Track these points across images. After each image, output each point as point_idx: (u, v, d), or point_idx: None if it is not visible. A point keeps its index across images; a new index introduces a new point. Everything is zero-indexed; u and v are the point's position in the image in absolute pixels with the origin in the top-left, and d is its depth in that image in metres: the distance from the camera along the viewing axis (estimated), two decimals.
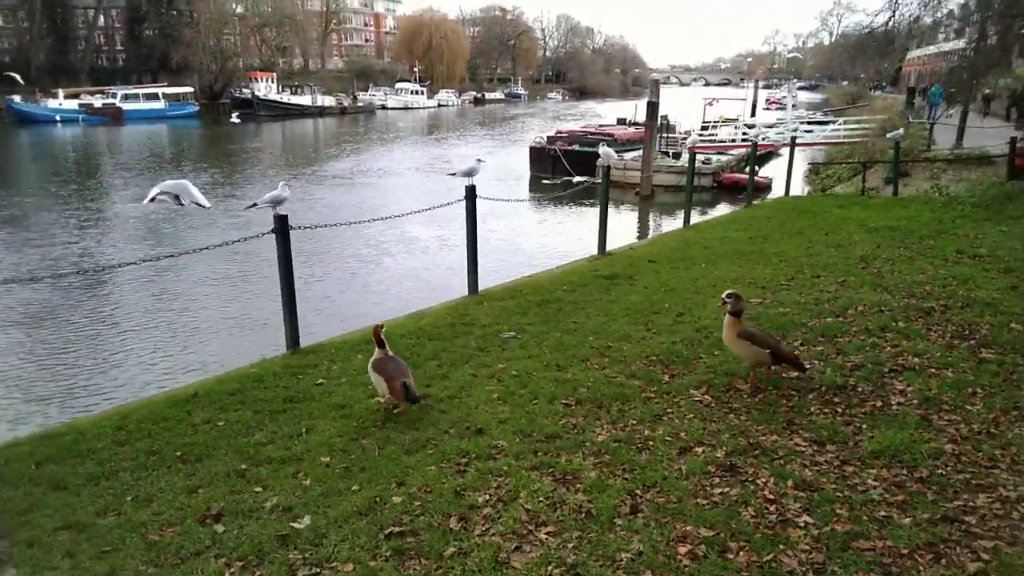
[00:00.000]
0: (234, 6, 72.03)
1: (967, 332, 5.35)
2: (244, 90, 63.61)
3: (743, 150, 28.77)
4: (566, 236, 17.58)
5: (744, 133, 30.71)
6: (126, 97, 54.46)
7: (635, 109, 39.19)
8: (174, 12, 67.30)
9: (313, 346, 5.84)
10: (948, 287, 6.58)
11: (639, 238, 16.68)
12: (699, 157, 24.14)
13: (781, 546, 2.88)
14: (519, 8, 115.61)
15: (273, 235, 5.60)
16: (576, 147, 27.63)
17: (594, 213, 19.74)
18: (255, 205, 5.64)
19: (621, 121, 38.46)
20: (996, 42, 13.70)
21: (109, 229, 18.32)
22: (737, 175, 25.09)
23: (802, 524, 3.03)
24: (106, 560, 2.99)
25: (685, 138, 30.01)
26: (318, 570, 2.87)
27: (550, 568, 2.81)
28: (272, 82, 65.19)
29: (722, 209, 19.88)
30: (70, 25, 65.94)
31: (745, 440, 3.81)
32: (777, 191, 19.99)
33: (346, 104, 68.91)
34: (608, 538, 2.99)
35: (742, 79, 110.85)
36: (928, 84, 34.70)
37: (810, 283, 7.08)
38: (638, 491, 3.35)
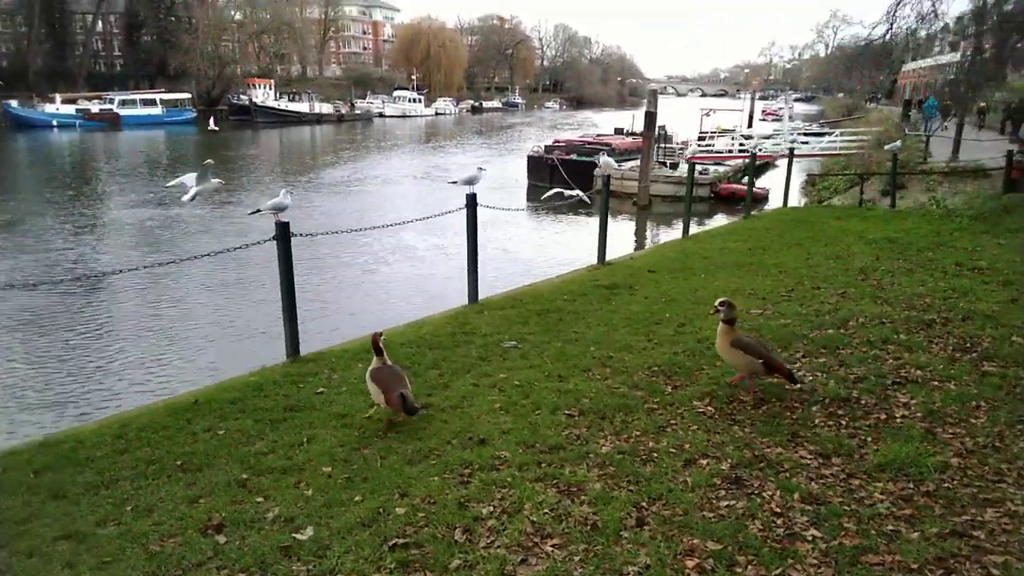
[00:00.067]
0: (233, 13, 72.26)
1: (969, 345, 5.35)
2: (242, 97, 63.72)
3: (740, 161, 28.92)
4: (564, 245, 17.60)
5: (741, 144, 30.84)
6: (123, 103, 54.49)
7: (632, 119, 39.39)
8: (173, 18, 67.42)
9: (313, 354, 5.81)
10: (948, 299, 6.59)
11: (636, 248, 16.69)
12: (697, 167, 24.22)
13: (790, 560, 2.86)
14: (517, 17, 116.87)
15: (273, 242, 5.59)
16: (574, 156, 27.70)
17: (591, 222, 19.84)
18: (258, 211, 5.62)
19: (618, 131, 38.66)
20: (992, 55, 13.80)
21: (105, 235, 18.26)
22: (734, 186, 25.19)
23: (810, 538, 3.01)
24: (106, 571, 2.95)
25: (682, 148, 30.21)
26: None
27: None
28: (270, 89, 65.29)
29: (720, 220, 19.93)
30: (68, 30, 65.94)
31: (750, 452, 3.79)
32: (774, 202, 20.08)
33: (343, 112, 69.03)
34: (615, 551, 2.96)
35: (738, 90, 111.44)
36: (923, 96, 34.95)
37: (810, 294, 7.08)
38: (644, 503, 3.32)
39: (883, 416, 4.20)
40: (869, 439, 3.91)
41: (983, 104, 25.51)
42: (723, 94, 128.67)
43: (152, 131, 49.80)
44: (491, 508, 3.31)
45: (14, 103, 50.02)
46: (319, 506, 3.39)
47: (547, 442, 3.97)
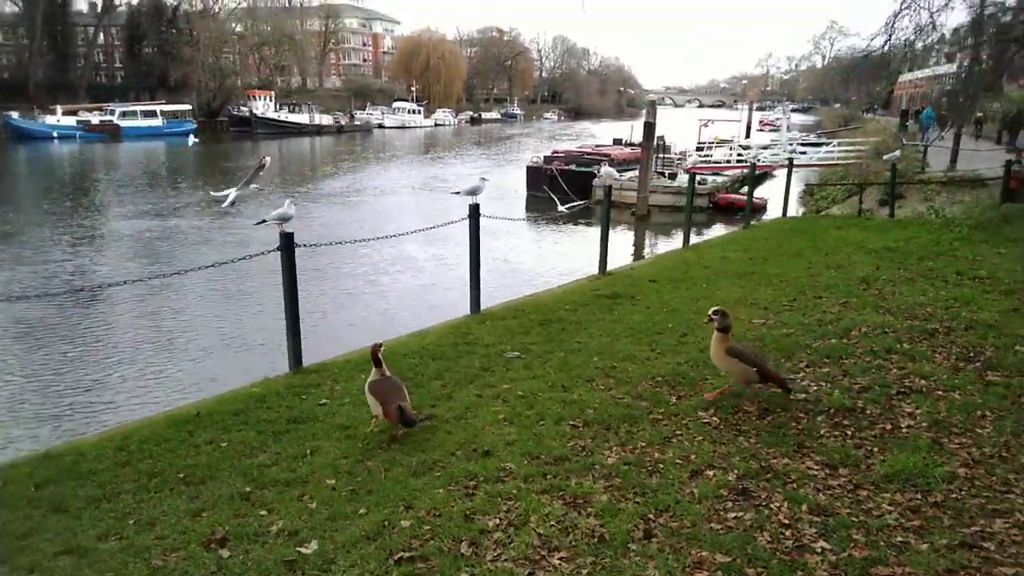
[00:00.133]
0: (234, 25, 72.62)
1: (972, 354, 5.34)
2: (242, 108, 63.91)
3: (738, 171, 29.02)
4: (564, 255, 17.61)
5: (739, 154, 30.96)
6: (124, 114, 54.58)
7: (631, 130, 39.51)
8: (174, 30, 67.76)
9: (315, 365, 5.79)
10: (950, 309, 6.58)
11: (635, 258, 16.70)
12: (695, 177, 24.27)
13: (799, 572, 2.84)
14: (516, 30, 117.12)
15: (273, 253, 5.57)
16: (573, 167, 27.77)
17: (590, 233, 19.88)
18: (263, 222, 5.61)
19: (617, 141, 38.75)
20: (989, 66, 13.89)
21: (104, 247, 18.25)
22: (733, 196, 25.25)
23: (819, 550, 2.99)
24: None
25: (680, 159, 30.30)
26: None
27: None
28: (270, 100, 65.50)
29: (718, 230, 19.96)
30: (70, 42, 66.13)
31: (756, 463, 3.77)
32: (772, 212, 20.12)
33: (343, 123, 69.25)
34: (623, 564, 2.94)
35: (736, 101, 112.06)
36: (920, 107, 35.14)
37: (812, 304, 7.07)
38: (651, 515, 3.30)
39: (889, 426, 4.18)
40: (875, 449, 3.89)
41: (980, 114, 25.68)
42: (720, 105, 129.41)
43: (152, 142, 49.89)
44: (497, 520, 3.29)
45: (15, 114, 50.11)
46: (323, 519, 3.36)
47: (552, 453, 3.94)
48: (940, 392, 4.65)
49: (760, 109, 77.20)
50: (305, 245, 5.83)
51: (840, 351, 5.50)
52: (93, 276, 14.93)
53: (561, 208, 9.98)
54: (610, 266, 9.80)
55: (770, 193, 24.99)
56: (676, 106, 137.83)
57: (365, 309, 12.84)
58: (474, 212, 7.24)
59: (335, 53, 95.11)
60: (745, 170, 27.28)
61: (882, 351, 5.46)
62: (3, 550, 3.19)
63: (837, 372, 5.09)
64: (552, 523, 3.24)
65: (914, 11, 11.59)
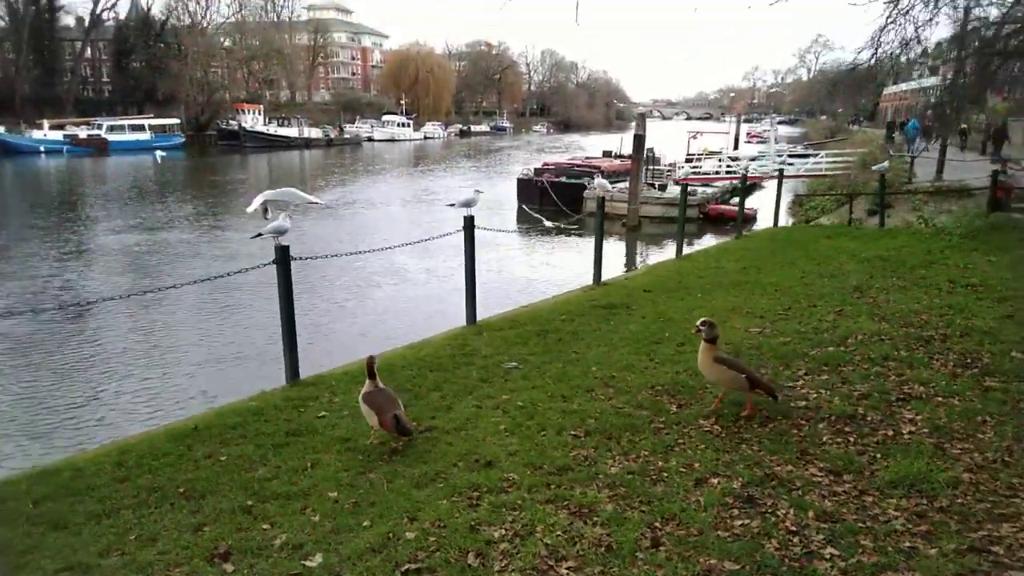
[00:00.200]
0: (222, 39, 72.59)
1: (969, 361, 5.38)
2: (231, 122, 63.81)
3: (728, 182, 29.25)
4: (556, 267, 17.63)
5: (728, 166, 31.22)
6: (112, 128, 54.35)
7: (620, 142, 39.77)
8: (162, 44, 67.68)
9: (313, 378, 5.75)
10: (945, 316, 6.63)
11: (628, 269, 16.75)
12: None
13: None
14: (505, 43, 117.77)
15: (270, 265, 5.55)
16: (563, 179, 27.89)
17: (582, 244, 19.95)
18: (259, 235, 5.59)
19: (607, 154, 38.94)
20: (973, 79, 14.09)
21: (92, 261, 18.08)
22: (723, 206, 25.43)
23: (828, 556, 2.98)
24: None
25: (670, 170, 30.51)
26: None
27: None
28: (259, 114, 65.49)
29: (709, 240, 20.08)
30: (57, 56, 65.86)
31: (760, 471, 3.77)
32: (763, 222, 20.26)
33: (332, 136, 69.24)
34: (631, 572, 2.92)
35: (723, 113, 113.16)
36: (905, 119, 35.61)
37: (807, 312, 7.10)
38: (657, 524, 3.28)
39: (890, 432, 4.19)
40: (878, 455, 3.90)
41: (965, 126, 26.04)
42: (708, 117, 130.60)
43: (140, 156, 49.64)
44: (503, 531, 3.26)
45: (1, 129, 49.80)
46: (327, 532, 3.32)
47: (555, 463, 3.93)
48: (940, 398, 4.68)
49: (747, 121, 77.96)
50: (301, 258, 5.81)
51: (838, 359, 5.52)
52: (82, 291, 14.78)
53: (547, 224, 10.02)
54: (603, 277, 9.82)
55: (760, 203, 25.20)
56: (664, 118, 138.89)
57: (359, 321, 12.78)
58: (469, 224, 7.24)
59: (324, 67, 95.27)
60: (734, 181, 27.53)
61: (880, 358, 5.48)
62: (4, 568, 3.13)
63: (836, 379, 5.11)
64: (558, 533, 3.22)
65: (900, 25, 11.76)
